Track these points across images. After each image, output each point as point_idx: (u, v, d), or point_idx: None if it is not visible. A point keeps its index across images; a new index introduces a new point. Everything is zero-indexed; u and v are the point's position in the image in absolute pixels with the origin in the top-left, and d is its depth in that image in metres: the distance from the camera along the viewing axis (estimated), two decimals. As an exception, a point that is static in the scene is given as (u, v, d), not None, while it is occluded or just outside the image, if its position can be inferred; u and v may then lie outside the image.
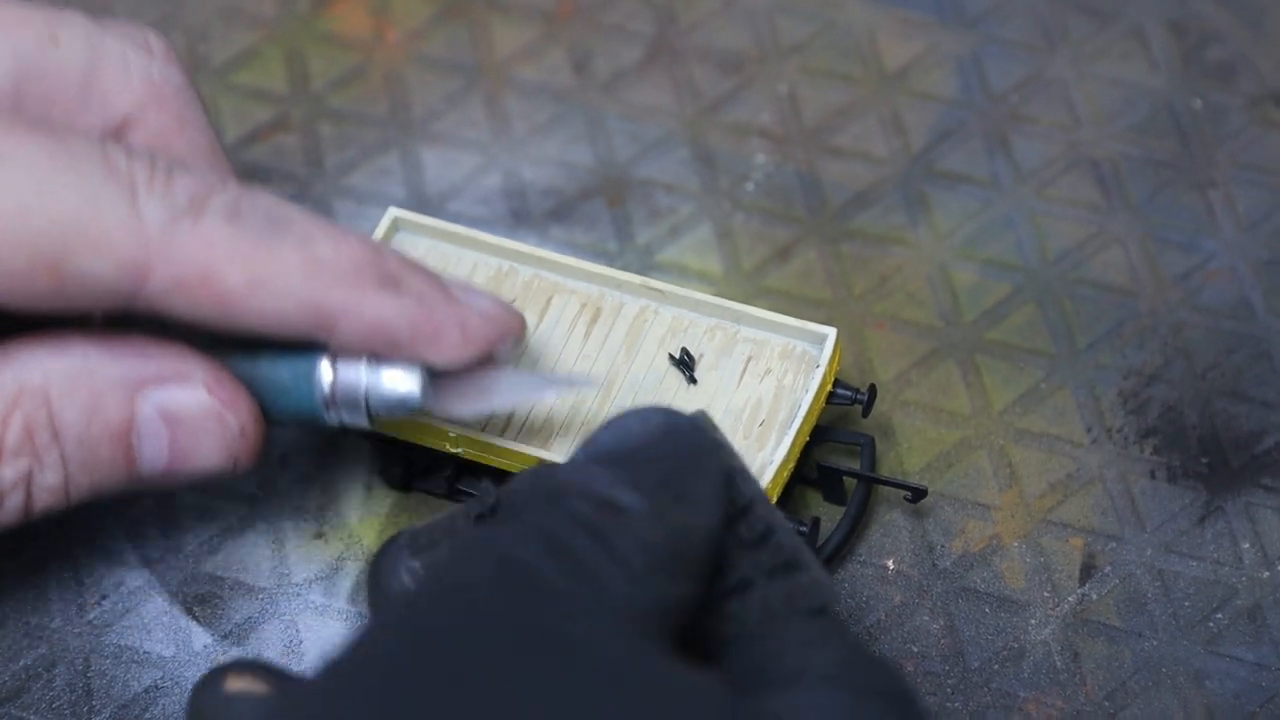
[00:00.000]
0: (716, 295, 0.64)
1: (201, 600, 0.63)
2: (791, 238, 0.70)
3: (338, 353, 0.56)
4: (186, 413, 0.56)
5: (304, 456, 0.65)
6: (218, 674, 0.51)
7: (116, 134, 0.59)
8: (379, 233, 0.64)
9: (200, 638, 0.62)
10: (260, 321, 0.54)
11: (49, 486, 0.56)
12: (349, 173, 0.72)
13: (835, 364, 0.62)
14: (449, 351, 0.56)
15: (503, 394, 0.58)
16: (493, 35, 0.75)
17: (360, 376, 0.56)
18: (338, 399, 0.57)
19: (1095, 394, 0.67)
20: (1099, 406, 0.66)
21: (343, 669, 0.46)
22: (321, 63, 0.74)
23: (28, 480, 0.55)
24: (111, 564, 0.63)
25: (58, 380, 0.55)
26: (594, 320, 0.63)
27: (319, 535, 0.64)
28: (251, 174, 0.71)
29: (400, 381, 0.57)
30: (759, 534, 0.53)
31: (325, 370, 0.56)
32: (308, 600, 0.63)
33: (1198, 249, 0.70)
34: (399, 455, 0.63)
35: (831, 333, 0.62)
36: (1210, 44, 0.74)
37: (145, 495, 0.64)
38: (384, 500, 0.65)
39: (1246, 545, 0.64)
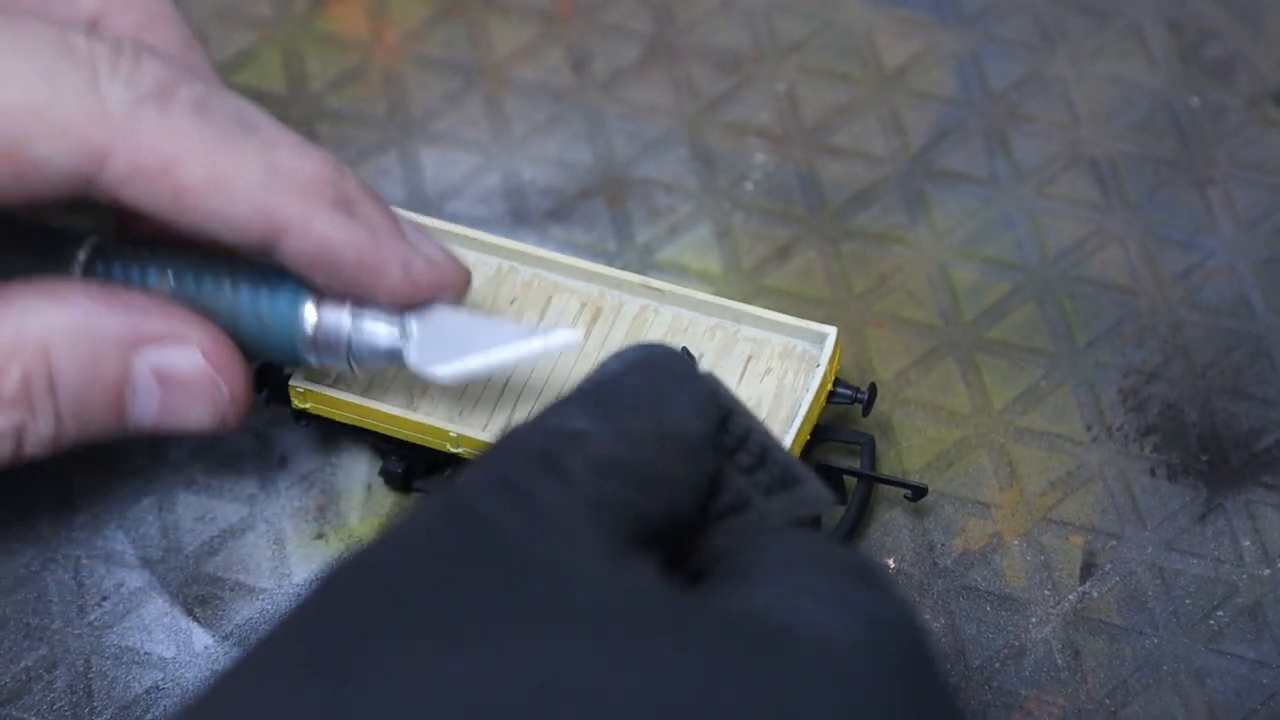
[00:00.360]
0: (716, 295, 0.64)
1: (202, 601, 0.63)
2: (791, 237, 0.70)
3: (322, 296, 0.57)
4: (180, 374, 0.57)
5: (304, 457, 0.65)
6: None
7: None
8: None
9: (201, 639, 0.62)
10: (212, 220, 0.54)
11: (40, 436, 0.56)
12: (348, 173, 0.72)
13: (835, 363, 0.62)
14: (388, 286, 0.56)
15: (485, 350, 0.58)
16: (491, 35, 0.75)
17: (344, 321, 0.57)
18: (319, 341, 0.57)
19: (1095, 392, 0.67)
20: (1099, 405, 0.66)
21: (280, 636, 0.45)
22: (319, 63, 0.74)
23: (20, 430, 0.56)
24: (112, 565, 0.63)
25: (59, 334, 0.55)
26: (594, 320, 0.63)
27: (319, 535, 0.64)
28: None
29: (382, 331, 0.58)
30: (756, 457, 0.52)
31: (309, 311, 0.57)
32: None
33: (1197, 247, 0.70)
34: (399, 455, 0.63)
35: (831, 332, 0.62)
36: (1208, 42, 0.74)
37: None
38: (384, 500, 0.65)
39: (1247, 543, 0.64)
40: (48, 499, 0.64)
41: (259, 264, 0.58)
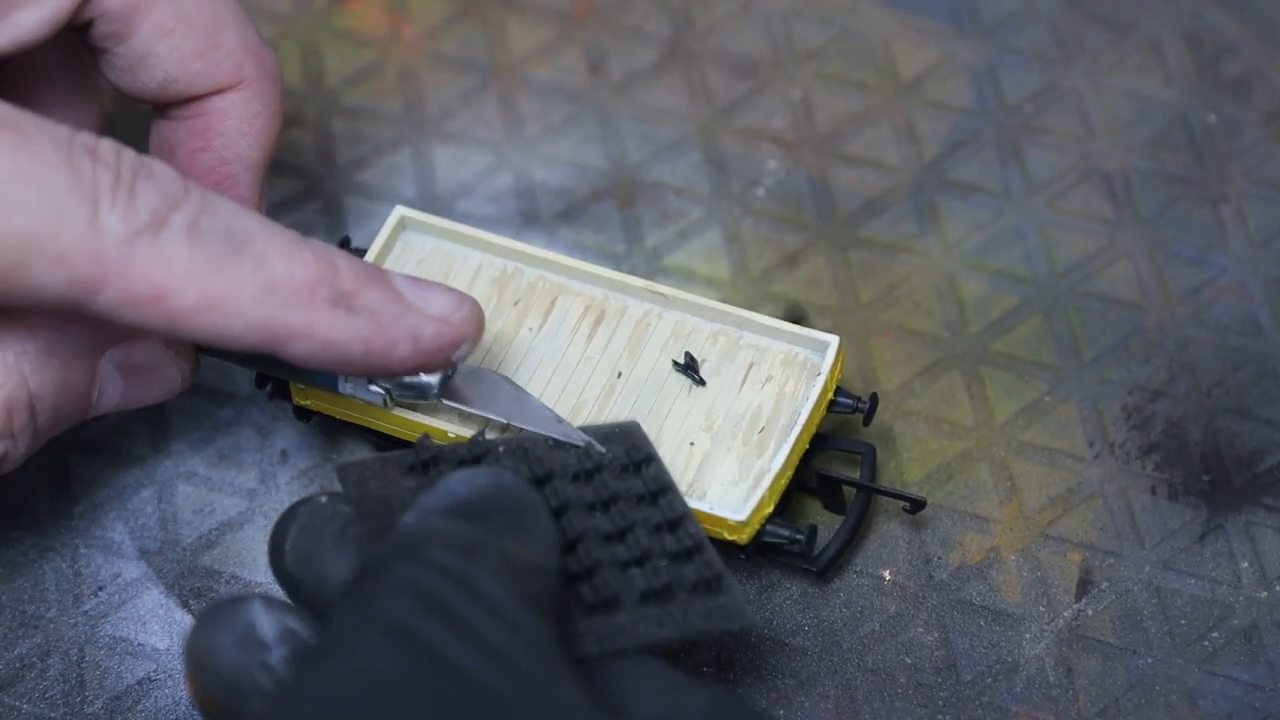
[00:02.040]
0: (722, 300, 0.64)
1: (198, 593, 0.63)
2: (800, 244, 0.70)
3: None
4: (143, 365, 0.60)
5: (305, 452, 0.65)
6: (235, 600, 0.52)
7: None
8: (385, 231, 0.64)
9: (195, 631, 0.62)
10: (211, 339, 0.54)
11: (19, 457, 0.58)
12: (360, 169, 0.72)
13: (837, 372, 0.62)
14: (402, 364, 0.56)
15: (504, 414, 0.59)
16: (508, 35, 0.75)
17: None
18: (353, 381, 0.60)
19: (1099, 408, 0.66)
20: (1102, 421, 0.66)
21: None
22: (337, 59, 0.74)
23: (2, 458, 0.57)
24: (109, 555, 0.63)
25: (31, 358, 0.57)
26: (597, 323, 0.63)
27: (317, 531, 0.64)
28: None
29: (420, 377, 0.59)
30: (686, 549, 0.56)
31: None
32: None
33: (1208, 264, 0.69)
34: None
35: (834, 341, 0.62)
36: (1226, 58, 0.74)
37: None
38: (383, 498, 0.65)
39: (1245, 564, 0.63)
40: (47, 487, 0.64)
41: None
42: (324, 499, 0.55)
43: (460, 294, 0.57)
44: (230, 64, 0.61)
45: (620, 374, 0.62)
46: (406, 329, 0.56)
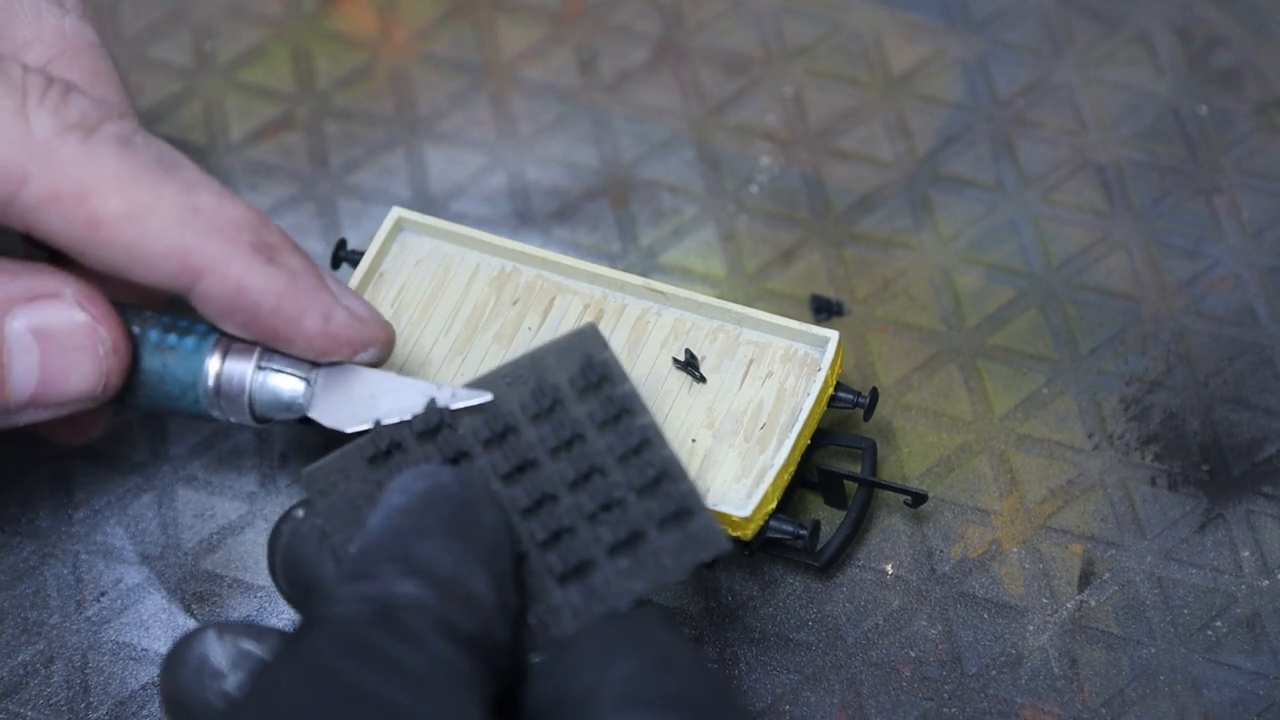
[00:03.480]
0: (719, 297, 0.64)
1: (200, 598, 0.63)
2: (795, 240, 0.70)
3: (229, 346, 0.56)
4: (59, 328, 0.54)
5: (304, 455, 0.65)
6: (197, 631, 0.51)
7: None
8: (382, 233, 0.64)
9: (198, 635, 0.62)
10: (126, 256, 0.53)
11: None
12: (354, 171, 0.72)
13: (837, 368, 0.62)
14: (306, 335, 0.55)
15: (386, 407, 0.57)
16: (499, 35, 0.75)
17: (246, 373, 0.56)
18: (222, 392, 0.56)
19: (1097, 400, 0.67)
20: (1100, 412, 0.66)
21: None
22: (328, 61, 0.74)
23: None
24: (111, 561, 0.63)
25: None
26: (596, 321, 0.63)
27: (318, 534, 0.64)
28: (256, 171, 0.72)
29: (285, 384, 0.56)
30: (650, 480, 0.54)
31: (212, 363, 0.56)
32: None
33: (1202, 255, 0.70)
34: None
35: (834, 336, 0.62)
36: (1216, 50, 0.74)
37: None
38: (384, 499, 0.65)
39: (1246, 553, 0.64)
40: (48, 493, 0.64)
41: (166, 316, 0.57)
42: (300, 512, 0.55)
43: (372, 306, 0.57)
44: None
45: None
46: (321, 303, 0.55)
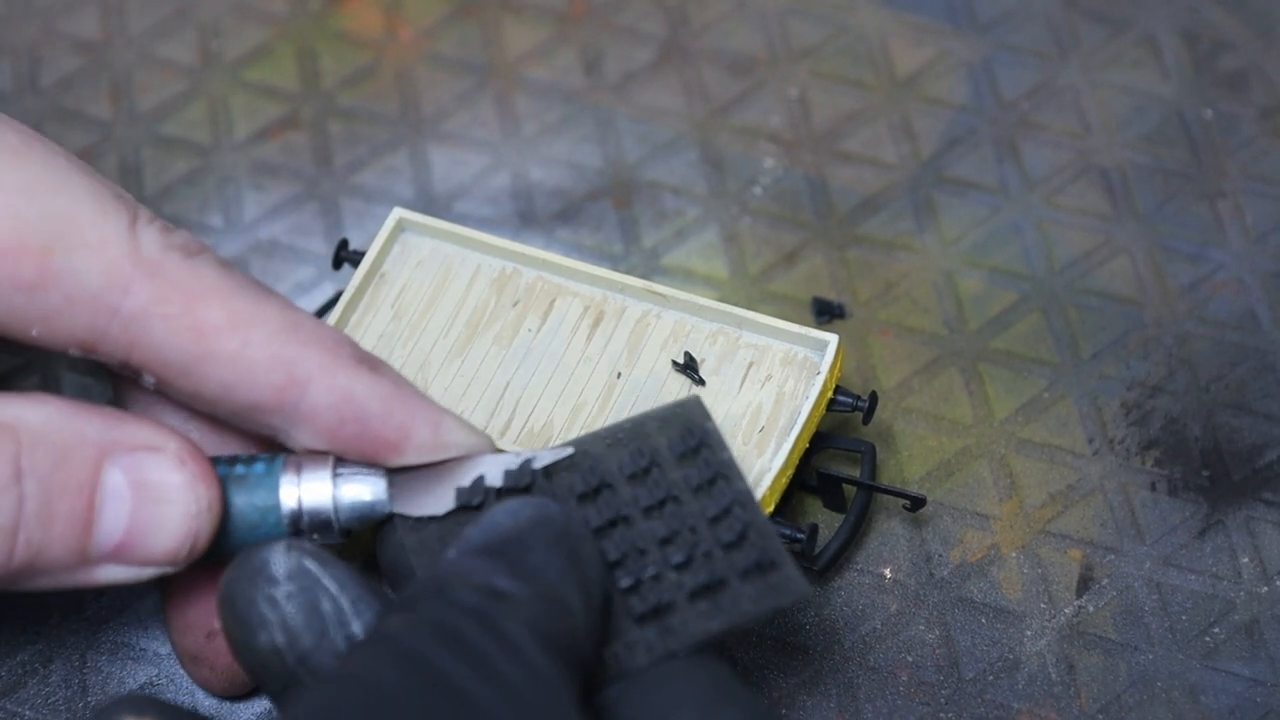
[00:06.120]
0: (721, 299, 0.64)
1: (199, 597, 0.63)
2: (798, 242, 0.70)
3: (300, 465, 0.55)
4: (155, 479, 0.53)
5: (305, 455, 0.65)
6: (113, 710, 0.49)
7: None
8: (383, 233, 0.64)
9: (197, 635, 0.62)
10: (231, 367, 0.53)
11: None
12: (358, 171, 0.72)
13: (837, 371, 0.62)
14: (419, 446, 0.55)
15: (470, 480, 0.56)
16: (504, 35, 0.75)
17: (325, 482, 0.55)
18: (304, 508, 0.55)
19: (1098, 404, 0.66)
20: (1101, 417, 0.66)
21: None
22: (333, 60, 0.74)
23: None
24: (111, 560, 0.63)
25: (30, 424, 0.52)
26: (596, 324, 0.63)
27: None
28: (260, 170, 0.72)
29: (367, 484, 0.55)
30: (737, 534, 0.55)
31: (287, 483, 0.55)
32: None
33: (1205, 260, 0.70)
34: None
35: (833, 340, 0.62)
36: (1222, 53, 0.74)
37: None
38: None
39: (1246, 560, 0.63)
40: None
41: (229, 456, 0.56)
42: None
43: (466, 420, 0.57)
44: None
45: (620, 374, 0.62)
46: (428, 409, 0.55)
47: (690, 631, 0.53)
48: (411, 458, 0.55)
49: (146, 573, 0.54)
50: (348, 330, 0.63)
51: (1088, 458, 0.65)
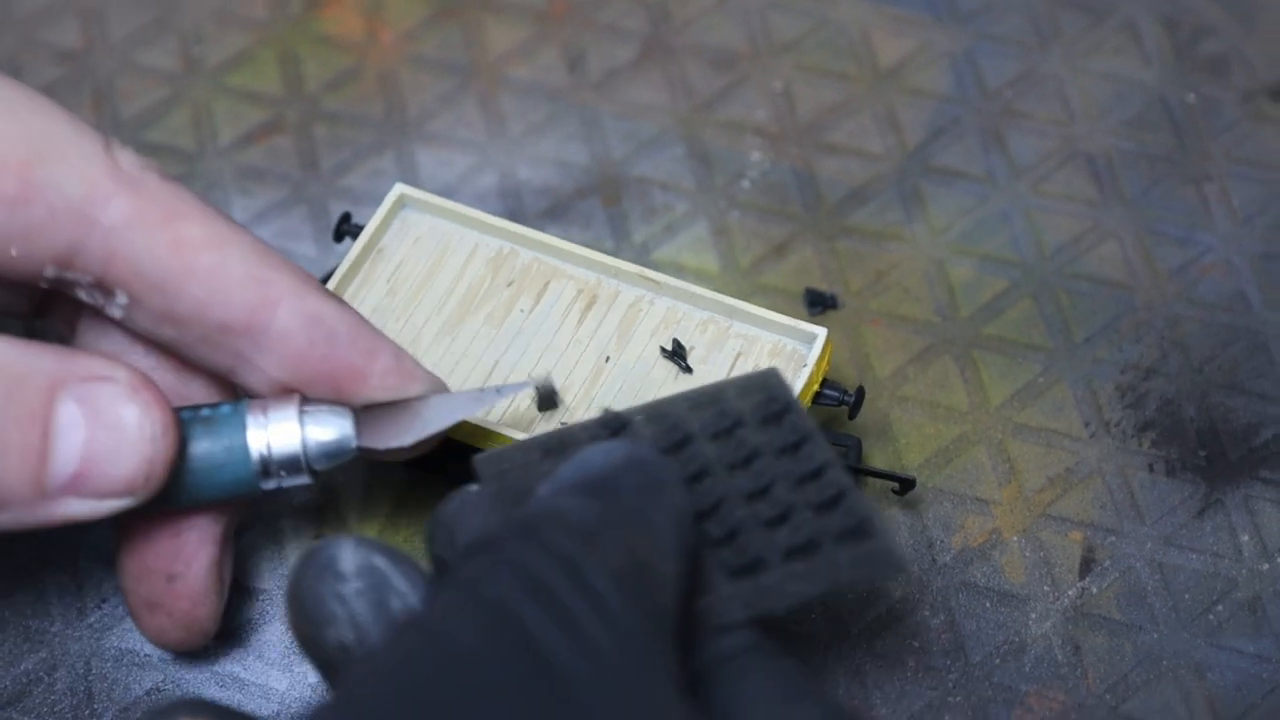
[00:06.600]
0: (713, 290, 0.64)
1: (202, 602, 0.63)
2: (787, 234, 0.70)
3: (265, 406, 0.55)
4: (109, 408, 0.53)
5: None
6: (169, 712, 0.49)
7: None
8: (383, 208, 0.64)
9: (201, 639, 0.62)
10: (207, 283, 0.54)
11: None
12: (344, 174, 0.72)
13: (824, 364, 0.62)
14: (382, 372, 0.55)
15: (436, 419, 0.56)
16: (486, 35, 0.75)
17: (292, 419, 0.55)
18: (272, 450, 0.55)
19: (1093, 388, 0.67)
20: (1096, 400, 0.66)
21: None
22: (315, 64, 0.74)
23: None
24: (110, 568, 0.63)
25: None
26: (589, 307, 0.63)
27: (318, 536, 0.64)
28: (246, 176, 0.71)
29: (334, 420, 0.55)
30: (829, 499, 0.53)
31: (254, 425, 0.55)
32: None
33: (1193, 243, 0.70)
34: None
35: (822, 333, 0.61)
36: (1203, 38, 0.74)
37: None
38: (383, 501, 0.64)
39: (1245, 537, 0.64)
40: (47, 501, 0.64)
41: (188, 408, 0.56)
42: (473, 488, 0.54)
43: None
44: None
45: (608, 358, 0.62)
46: (389, 341, 0.56)
47: (786, 591, 0.52)
48: (375, 385, 0.55)
49: (106, 505, 0.53)
50: None
51: (1085, 441, 0.66)
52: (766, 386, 0.56)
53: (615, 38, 0.75)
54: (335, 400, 0.56)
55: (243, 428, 0.55)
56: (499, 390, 0.57)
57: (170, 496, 0.55)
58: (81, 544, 0.63)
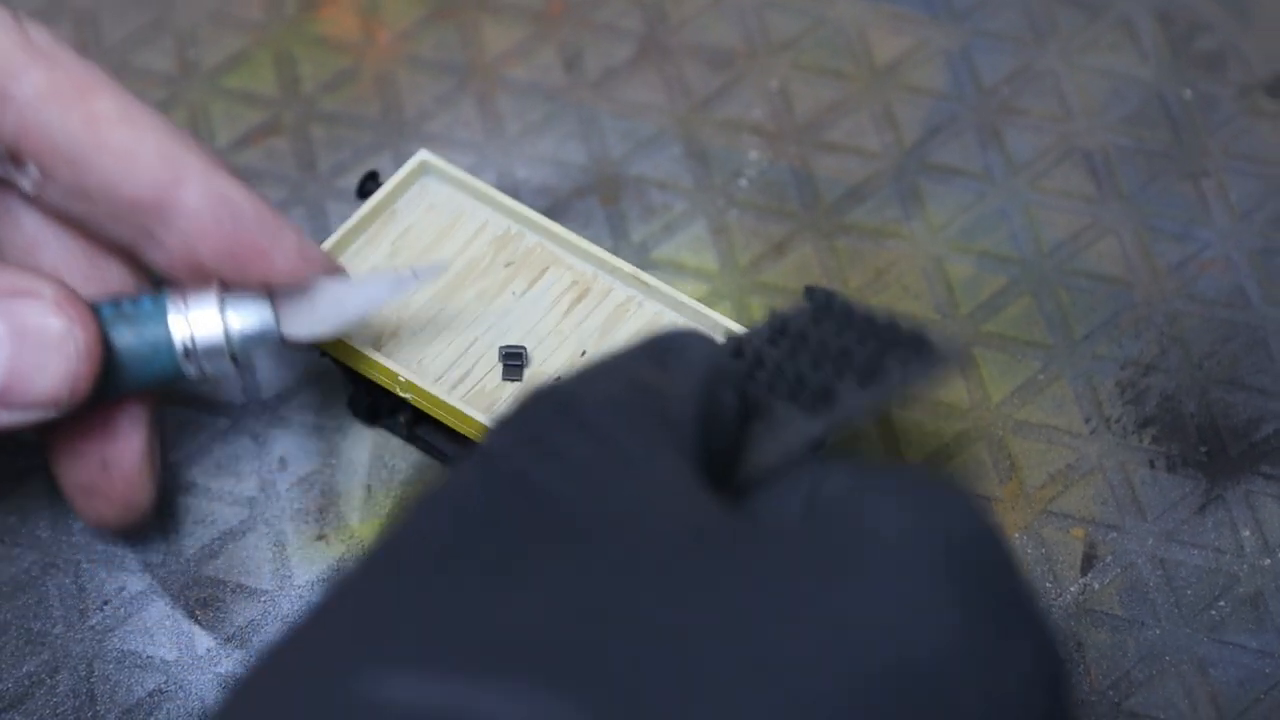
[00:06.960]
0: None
1: (204, 604, 0.63)
2: (786, 233, 0.70)
3: (185, 295, 0.56)
4: (33, 325, 0.53)
5: (303, 458, 0.65)
6: None
7: None
8: (404, 170, 0.64)
9: (203, 641, 0.62)
10: (119, 159, 0.54)
11: None
12: (342, 175, 0.72)
13: None
14: (287, 252, 0.56)
15: (355, 304, 0.58)
16: (483, 35, 0.75)
17: (212, 308, 0.56)
18: (196, 340, 0.56)
19: (1093, 384, 0.67)
20: (1097, 397, 0.67)
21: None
22: (312, 65, 0.74)
23: None
24: (112, 569, 0.63)
25: None
26: (579, 299, 0.63)
27: (320, 537, 0.64)
28: (244, 177, 0.71)
29: (253, 307, 0.57)
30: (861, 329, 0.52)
31: (175, 315, 0.56)
32: (310, 602, 0.62)
33: (1192, 238, 0.70)
34: (365, 389, 0.63)
35: None
36: (1199, 34, 0.74)
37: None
38: (385, 501, 0.64)
39: (1247, 533, 0.64)
40: (47, 502, 0.64)
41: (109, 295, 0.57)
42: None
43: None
44: None
45: (584, 353, 0.62)
46: (295, 228, 0.57)
47: (850, 404, 0.50)
48: (278, 266, 0.56)
49: (30, 415, 0.54)
50: (342, 259, 0.63)
51: (1085, 437, 0.66)
52: (813, 297, 0.55)
53: (612, 37, 0.75)
54: (239, 282, 0.57)
55: (164, 320, 0.56)
56: (415, 272, 0.58)
57: (98, 395, 0.56)
58: (83, 547, 0.63)
